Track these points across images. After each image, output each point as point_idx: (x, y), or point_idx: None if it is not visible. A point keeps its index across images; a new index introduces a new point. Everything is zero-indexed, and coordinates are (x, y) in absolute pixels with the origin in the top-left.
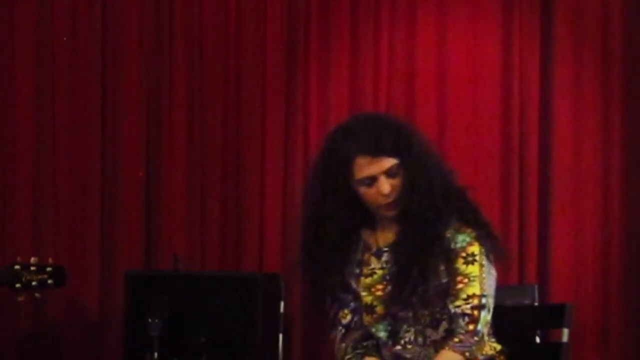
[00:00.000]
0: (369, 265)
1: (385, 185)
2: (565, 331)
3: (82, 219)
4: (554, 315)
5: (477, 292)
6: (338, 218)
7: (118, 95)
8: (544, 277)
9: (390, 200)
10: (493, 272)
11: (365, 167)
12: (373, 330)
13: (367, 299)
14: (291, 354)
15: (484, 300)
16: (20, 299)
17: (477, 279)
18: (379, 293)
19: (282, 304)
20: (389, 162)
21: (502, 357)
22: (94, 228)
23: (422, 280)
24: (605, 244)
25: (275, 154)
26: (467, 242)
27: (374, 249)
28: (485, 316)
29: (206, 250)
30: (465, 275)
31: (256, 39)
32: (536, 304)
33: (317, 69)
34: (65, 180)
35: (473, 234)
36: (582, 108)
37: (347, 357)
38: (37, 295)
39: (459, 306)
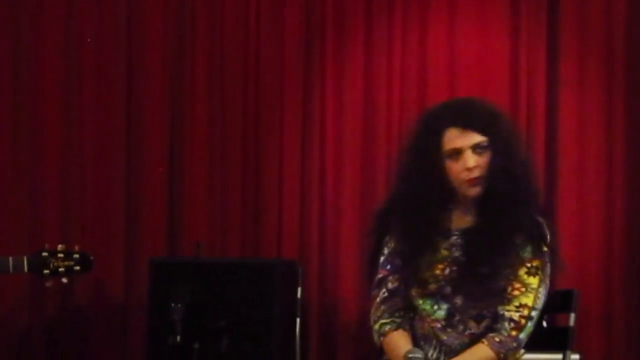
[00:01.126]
0: (435, 243)
1: (471, 160)
2: (572, 316)
3: (108, 208)
4: (561, 300)
5: (530, 304)
6: (422, 192)
7: (142, 90)
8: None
9: (473, 176)
10: (547, 286)
11: (454, 139)
12: (419, 302)
13: (425, 273)
14: (308, 337)
15: (533, 313)
16: (48, 284)
17: (534, 292)
18: (437, 272)
19: (299, 289)
20: (477, 137)
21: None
22: (119, 217)
23: (488, 277)
24: (608, 233)
25: (293, 146)
26: (534, 255)
27: (444, 229)
28: (530, 327)
29: (226, 237)
30: (524, 285)
31: (275, 38)
32: None
33: (333, 67)
34: (91, 171)
35: (542, 249)
36: (586, 104)
37: (383, 320)
38: (64, 281)
39: (508, 311)
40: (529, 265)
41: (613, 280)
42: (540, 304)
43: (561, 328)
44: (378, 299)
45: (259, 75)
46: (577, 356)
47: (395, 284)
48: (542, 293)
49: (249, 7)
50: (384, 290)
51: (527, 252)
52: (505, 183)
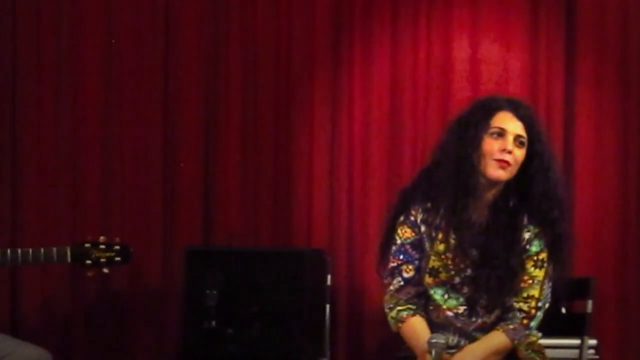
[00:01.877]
0: (447, 229)
1: (511, 145)
2: (589, 302)
3: (146, 201)
4: (578, 288)
5: (536, 295)
6: (465, 159)
7: (178, 82)
8: None
9: (506, 158)
10: (552, 279)
11: (504, 120)
12: (432, 291)
13: (435, 263)
14: (337, 323)
15: (540, 303)
16: (89, 274)
17: (540, 284)
18: (449, 261)
19: (328, 277)
20: (523, 131)
21: (539, 343)
22: (156, 208)
23: (500, 270)
24: (623, 223)
25: (322, 139)
26: (540, 249)
27: (464, 217)
28: (540, 316)
29: (259, 227)
30: (532, 277)
31: (305, 29)
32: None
33: (361, 58)
34: (130, 165)
35: (546, 244)
36: (603, 102)
37: (399, 308)
38: (105, 271)
39: (517, 302)
40: (535, 258)
41: (628, 268)
42: (546, 295)
43: (579, 314)
44: (392, 288)
45: (290, 66)
46: (594, 341)
47: (411, 274)
48: (547, 284)
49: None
50: (399, 279)
51: (534, 247)
52: (541, 187)
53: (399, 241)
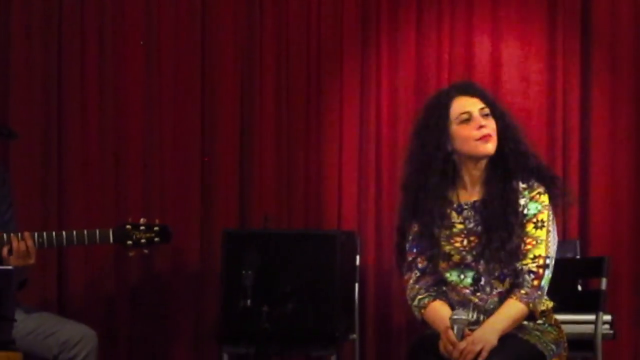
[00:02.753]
0: (450, 219)
1: (481, 119)
2: (604, 280)
3: (186, 185)
4: (593, 266)
5: (543, 254)
6: (431, 164)
7: (215, 73)
8: (584, 233)
9: (486, 132)
10: (556, 237)
11: (463, 104)
12: (447, 275)
13: (446, 248)
14: (365, 301)
15: (547, 261)
16: (131, 254)
17: (544, 243)
18: (457, 244)
19: (357, 258)
20: (480, 104)
21: (552, 314)
22: (195, 193)
23: (507, 238)
24: (637, 206)
25: (352, 128)
26: (538, 210)
27: (455, 205)
28: (548, 274)
29: (292, 211)
30: (534, 238)
31: (334, 25)
32: (578, 257)
33: (387, 53)
34: (170, 152)
35: (544, 203)
36: (617, 89)
37: (420, 297)
38: (145, 251)
39: (526, 264)
40: (534, 220)
41: None
42: (552, 252)
43: (594, 291)
44: (411, 280)
45: (320, 61)
46: (608, 317)
47: (425, 264)
48: (551, 241)
49: None
50: (415, 271)
51: (532, 209)
52: (514, 144)
53: (410, 237)
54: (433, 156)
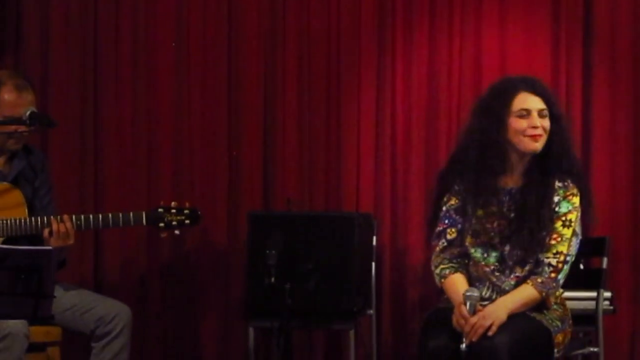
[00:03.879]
0: (486, 200)
1: (537, 120)
2: (605, 259)
3: (213, 171)
4: (595, 246)
5: (565, 251)
6: (491, 145)
7: (241, 65)
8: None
9: (537, 132)
10: (580, 236)
11: (525, 100)
12: (472, 250)
13: (477, 226)
14: (381, 279)
15: (567, 258)
16: (163, 235)
17: (567, 241)
18: (488, 225)
19: (374, 238)
20: (542, 104)
21: (562, 298)
22: (222, 177)
23: (536, 229)
24: (635, 189)
25: (369, 117)
26: (568, 210)
27: (493, 188)
28: (566, 270)
29: (313, 194)
30: (560, 235)
31: (353, 23)
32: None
33: (402, 52)
34: (198, 138)
35: (575, 205)
36: (616, 82)
37: (443, 266)
38: (176, 232)
39: (548, 257)
40: (564, 218)
41: None
42: (573, 251)
43: (595, 270)
44: (438, 248)
45: (340, 56)
46: (608, 294)
47: (453, 235)
48: (575, 242)
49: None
50: (443, 240)
51: (563, 208)
52: (559, 146)
53: (444, 208)
54: (487, 139)
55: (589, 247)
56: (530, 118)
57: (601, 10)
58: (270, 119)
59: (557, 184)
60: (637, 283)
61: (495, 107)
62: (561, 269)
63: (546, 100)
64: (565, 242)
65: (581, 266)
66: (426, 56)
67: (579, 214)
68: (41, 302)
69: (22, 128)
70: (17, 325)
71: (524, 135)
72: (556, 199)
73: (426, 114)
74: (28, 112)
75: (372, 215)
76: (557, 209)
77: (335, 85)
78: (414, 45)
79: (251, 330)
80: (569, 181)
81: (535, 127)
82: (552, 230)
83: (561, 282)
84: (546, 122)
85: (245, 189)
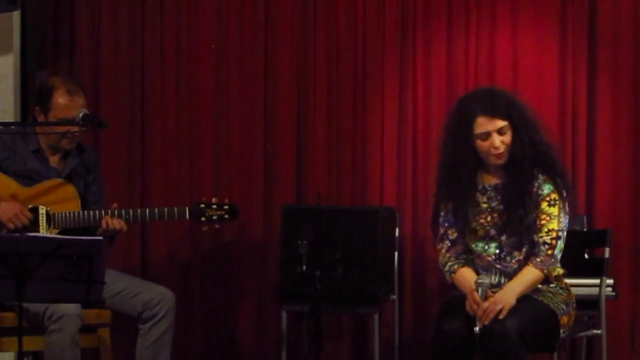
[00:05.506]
0: (476, 199)
1: (497, 141)
2: (607, 249)
3: (250, 168)
4: (598, 238)
5: (556, 228)
6: (461, 162)
7: (276, 70)
8: (590, 209)
9: (499, 152)
10: (567, 213)
11: (483, 124)
12: (473, 245)
13: (473, 224)
14: (403, 267)
15: (560, 234)
16: (204, 229)
17: (556, 218)
18: (482, 221)
19: (397, 230)
20: (500, 123)
21: (563, 278)
22: (258, 174)
23: (524, 216)
24: (636, 184)
25: (392, 117)
26: (551, 190)
27: (480, 187)
28: (560, 245)
29: (341, 190)
30: (548, 214)
31: (377, 28)
32: (585, 229)
33: (422, 54)
34: (237, 140)
35: (555, 185)
36: (618, 88)
37: (450, 263)
38: (216, 226)
39: (541, 237)
40: (548, 199)
41: None
42: (563, 225)
43: (599, 259)
44: (443, 249)
45: (365, 63)
46: (611, 281)
47: (455, 235)
48: (563, 217)
49: (357, 2)
50: (446, 242)
51: (546, 189)
52: (525, 151)
53: (442, 213)
54: (461, 154)
55: (593, 238)
56: (491, 139)
57: (604, 20)
58: (302, 120)
59: (536, 169)
60: (637, 271)
61: (460, 128)
62: (555, 245)
63: (504, 116)
64: (554, 219)
65: (586, 256)
66: (445, 59)
67: (562, 191)
68: (93, 287)
69: (74, 129)
70: (71, 308)
71: (488, 154)
72: (536, 183)
73: (445, 115)
74: (81, 114)
75: (395, 209)
76: (539, 192)
77: (361, 89)
78: (434, 49)
79: (284, 314)
80: (542, 167)
81: (496, 148)
82: (540, 211)
83: (558, 257)
84: (507, 137)
85: (279, 185)
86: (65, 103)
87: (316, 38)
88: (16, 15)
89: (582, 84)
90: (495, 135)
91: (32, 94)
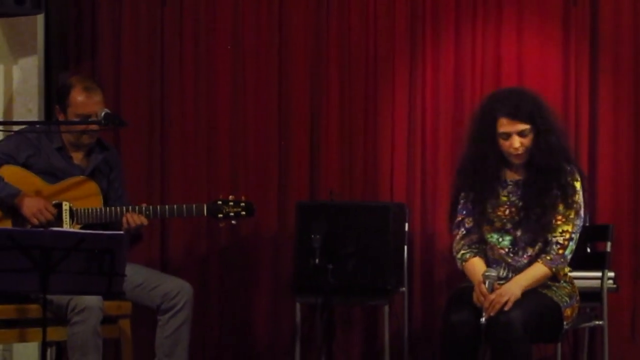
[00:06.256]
0: (496, 192)
1: (516, 143)
2: (608, 244)
3: (265, 165)
4: (600, 232)
5: (569, 230)
6: (484, 156)
7: (290, 68)
8: (592, 205)
9: (518, 152)
10: (582, 216)
11: (505, 126)
12: (488, 236)
13: (490, 215)
14: (412, 260)
15: (573, 236)
16: (221, 225)
17: (571, 221)
18: (500, 213)
19: (406, 225)
20: (522, 126)
21: (568, 275)
22: (273, 171)
23: (541, 215)
24: (636, 181)
25: (402, 115)
26: (570, 193)
27: (502, 181)
28: (572, 246)
29: (353, 186)
30: (564, 216)
31: (388, 29)
32: (587, 224)
33: (431, 55)
34: (252, 139)
35: (576, 188)
36: (619, 89)
37: (463, 251)
38: (233, 222)
39: (555, 236)
40: (567, 201)
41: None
42: (576, 229)
43: (600, 253)
44: (458, 236)
45: (377, 62)
46: (612, 274)
47: (471, 224)
48: (578, 221)
49: (368, 4)
50: (462, 229)
51: (566, 192)
52: (545, 156)
53: (462, 201)
54: (485, 148)
55: (595, 233)
56: (511, 140)
57: (606, 23)
58: (315, 119)
59: (560, 170)
60: (637, 265)
61: (484, 127)
62: (567, 246)
63: (529, 119)
64: (569, 222)
65: (588, 250)
66: (452, 60)
67: (581, 196)
68: (114, 280)
69: (92, 126)
70: (93, 300)
71: (508, 154)
72: (558, 183)
73: (452, 117)
74: (103, 113)
75: (405, 204)
76: (560, 193)
77: (373, 88)
78: (442, 50)
79: (298, 306)
80: (572, 167)
81: (515, 149)
82: (557, 212)
83: (568, 257)
84: (527, 140)
85: (293, 182)
86: (82, 100)
87: (329, 40)
88: (40, 18)
89: (584, 83)
90: (515, 137)
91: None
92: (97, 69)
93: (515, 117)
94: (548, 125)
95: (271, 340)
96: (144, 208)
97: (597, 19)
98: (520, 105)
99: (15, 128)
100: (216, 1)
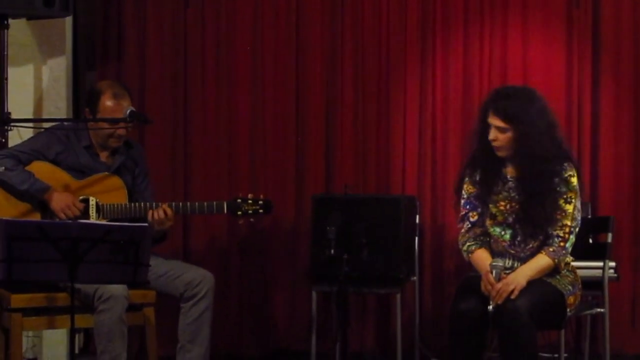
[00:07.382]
0: (498, 187)
1: (492, 134)
2: (609, 235)
3: (283, 161)
4: (601, 224)
5: (569, 224)
6: (485, 149)
7: (306, 68)
8: (594, 198)
9: (494, 144)
10: (580, 210)
11: (489, 118)
12: (491, 229)
13: (493, 209)
14: (423, 251)
15: (572, 229)
16: (240, 222)
17: (570, 215)
18: (502, 207)
19: (417, 217)
20: (500, 123)
21: (571, 264)
22: (291, 166)
23: (541, 210)
24: (636, 174)
25: (413, 113)
26: (568, 189)
27: (503, 176)
28: (572, 239)
29: (366, 179)
30: (563, 211)
31: (399, 31)
32: (589, 216)
33: (441, 54)
34: (271, 136)
35: (573, 184)
36: (620, 97)
37: (469, 244)
38: (251, 220)
39: (556, 230)
40: (565, 197)
41: (639, 209)
42: (576, 222)
43: (602, 243)
44: (463, 230)
45: (389, 59)
46: (613, 264)
47: (475, 218)
48: (577, 214)
49: (381, 6)
50: (467, 223)
51: (563, 188)
52: (523, 158)
53: (465, 195)
54: (487, 145)
55: (597, 224)
56: (492, 132)
57: (607, 26)
58: (330, 116)
59: (556, 167)
60: (637, 255)
61: (482, 118)
62: (568, 239)
63: (508, 119)
64: (569, 216)
65: (590, 240)
66: (461, 59)
67: (578, 191)
68: (139, 270)
69: (120, 131)
70: (118, 289)
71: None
72: (556, 180)
73: (461, 115)
74: (128, 111)
75: (416, 197)
76: (558, 189)
77: (385, 86)
78: (451, 50)
79: (314, 294)
80: (566, 164)
81: (491, 139)
82: (557, 207)
83: (569, 249)
84: (504, 136)
85: (309, 176)
86: (112, 106)
87: (343, 40)
88: (68, 20)
89: (586, 84)
90: (493, 129)
91: (83, 93)
92: (122, 70)
93: (497, 113)
94: (529, 130)
95: (289, 327)
96: (167, 205)
97: (598, 21)
98: (507, 105)
99: (45, 125)
100: (236, 4)
